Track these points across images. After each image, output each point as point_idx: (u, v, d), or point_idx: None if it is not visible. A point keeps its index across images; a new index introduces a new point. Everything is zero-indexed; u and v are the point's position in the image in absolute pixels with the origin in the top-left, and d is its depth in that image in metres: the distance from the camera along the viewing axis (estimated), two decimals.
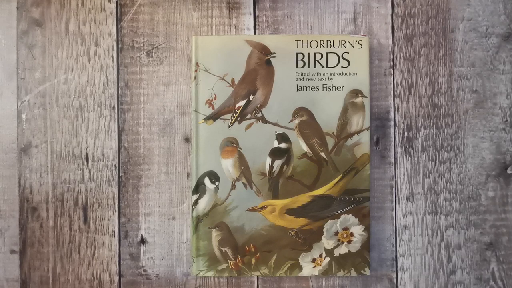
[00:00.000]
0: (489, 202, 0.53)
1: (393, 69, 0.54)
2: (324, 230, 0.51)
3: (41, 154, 0.54)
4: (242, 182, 0.51)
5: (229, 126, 0.51)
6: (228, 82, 0.51)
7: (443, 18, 0.54)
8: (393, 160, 0.54)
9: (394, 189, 0.54)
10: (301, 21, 0.54)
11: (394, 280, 0.53)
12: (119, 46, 0.54)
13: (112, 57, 0.54)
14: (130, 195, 0.53)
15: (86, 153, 0.54)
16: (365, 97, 0.51)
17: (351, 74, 0.51)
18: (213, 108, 0.51)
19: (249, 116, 0.51)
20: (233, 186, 0.51)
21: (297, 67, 0.51)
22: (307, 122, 0.51)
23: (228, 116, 0.51)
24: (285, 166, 0.51)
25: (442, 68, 0.54)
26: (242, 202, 0.51)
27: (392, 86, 0.54)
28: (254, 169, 0.51)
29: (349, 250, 0.51)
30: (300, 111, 0.51)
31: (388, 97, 0.54)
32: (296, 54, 0.51)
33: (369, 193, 0.51)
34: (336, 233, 0.51)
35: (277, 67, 0.51)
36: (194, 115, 0.51)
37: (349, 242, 0.51)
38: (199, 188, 0.51)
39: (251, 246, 0.51)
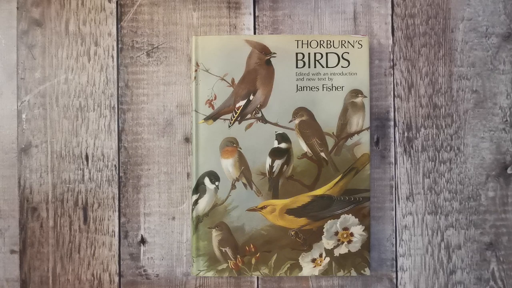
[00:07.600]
0: (489, 202, 0.53)
1: (393, 69, 0.54)
2: (324, 230, 0.51)
3: (41, 154, 0.54)
4: (242, 182, 0.51)
5: (229, 126, 0.51)
6: (228, 82, 0.51)
7: (443, 18, 0.54)
8: (393, 160, 0.54)
9: (394, 189, 0.54)
10: (301, 21, 0.54)
11: (394, 280, 0.53)
12: (119, 46, 0.54)
13: (112, 57, 0.54)
14: (130, 195, 0.53)
15: (86, 153, 0.54)
16: (365, 97, 0.51)
17: (351, 74, 0.51)
18: (213, 108, 0.51)
19: (249, 116, 0.51)
20: (233, 186, 0.51)
21: (297, 67, 0.51)
22: (307, 122, 0.51)
23: (228, 116, 0.51)
24: (285, 166, 0.51)
25: (442, 68, 0.54)
26: (242, 202, 0.51)
27: (392, 86, 0.54)
28: (254, 169, 0.51)
29: (349, 250, 0.51)
30: (300, 111, 0.51)
31: (388, 97, 0.54)
32: (296, 54, 0.51)
33: (369, 193, 0.51)
34: (336, 233, 0.51)
35: (277, 67, 0.51)
36: (194, 115, 0.51)
37: (349, 242, 0.51)
38: (199, 188, 0.51)
39: (251, 246, 0.51)
